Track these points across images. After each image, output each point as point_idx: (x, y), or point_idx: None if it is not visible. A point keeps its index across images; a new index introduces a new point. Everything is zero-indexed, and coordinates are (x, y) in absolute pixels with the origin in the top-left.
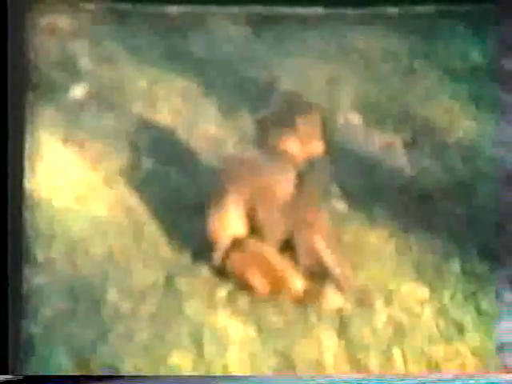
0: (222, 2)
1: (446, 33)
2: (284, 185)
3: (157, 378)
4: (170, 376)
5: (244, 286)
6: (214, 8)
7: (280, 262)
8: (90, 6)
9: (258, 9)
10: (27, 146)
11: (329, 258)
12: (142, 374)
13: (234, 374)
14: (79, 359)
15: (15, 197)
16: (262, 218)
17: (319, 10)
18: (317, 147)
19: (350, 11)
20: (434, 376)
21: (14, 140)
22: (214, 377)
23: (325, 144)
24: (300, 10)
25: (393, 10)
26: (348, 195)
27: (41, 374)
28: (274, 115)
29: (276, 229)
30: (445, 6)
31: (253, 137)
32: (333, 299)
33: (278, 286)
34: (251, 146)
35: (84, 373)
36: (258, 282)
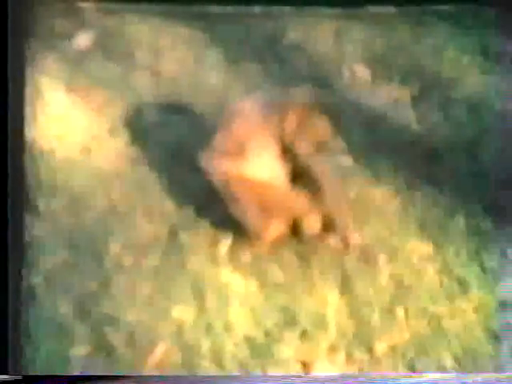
0: None
1: None
2: None
3: (158, 377)
4: (171, 376)
5: (247, 239)
6: None
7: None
8: None
9: None
10: (29, 94)
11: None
12: (143, 375)
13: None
14: (80, 310)
15: (15, 145)
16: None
17: None
18: (304, 147)
19: None
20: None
21: (15, 88)
22: (214, 377)
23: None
24: None
25: None
26: (353, 150)
27: (42, 325)
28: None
29: None
30: None
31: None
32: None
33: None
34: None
35: (86, 323)
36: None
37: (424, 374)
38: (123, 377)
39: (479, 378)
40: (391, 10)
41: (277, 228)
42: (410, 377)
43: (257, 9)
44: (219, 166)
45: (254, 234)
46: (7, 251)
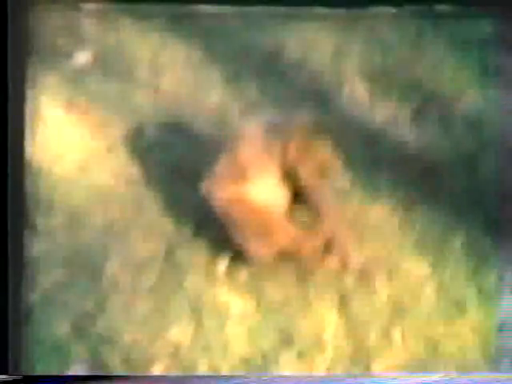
0: None
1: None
2: None
3: (157, 377)
4: (171, 376)
5: (245, 259)
6: None
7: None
8: None
9: None
10: (29, 111)
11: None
12: (143, 375)
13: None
14: (77, 329)
15: (15, 163)
16: None
17: None
18: (306, 171)
19: None
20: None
21: (15, 106)
22: (214, 377)
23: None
24: None
25: None
26: (351, 167)
27: (39, 344)
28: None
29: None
30: None
31: None
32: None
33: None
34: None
35: (82, 342)
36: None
37: (424, 374)
38: (123, 377)
39: (479, 378)
40: (391, 16)
41: (274, 251)
42: (410, 377)
43: (257, 9)
44: (221, 192)
45: (252, 256)
46: (7, 269)
